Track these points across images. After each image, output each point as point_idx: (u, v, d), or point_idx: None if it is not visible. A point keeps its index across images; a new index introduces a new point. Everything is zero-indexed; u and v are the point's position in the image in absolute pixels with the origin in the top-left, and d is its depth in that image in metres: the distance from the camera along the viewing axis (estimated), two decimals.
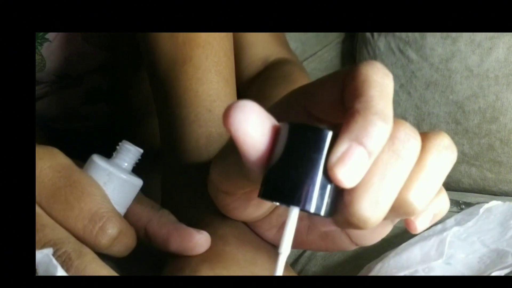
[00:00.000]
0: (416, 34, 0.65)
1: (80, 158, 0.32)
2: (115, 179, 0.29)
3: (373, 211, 0.21)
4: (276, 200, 0.22)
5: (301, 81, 0.48)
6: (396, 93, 0.66)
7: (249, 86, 0.51)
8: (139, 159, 0.31)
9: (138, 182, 0.30)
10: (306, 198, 0.21)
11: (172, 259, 0.30)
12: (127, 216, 0.30)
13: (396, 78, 0.67)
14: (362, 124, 0.21)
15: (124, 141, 0.31)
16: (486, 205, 0.42)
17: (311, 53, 0.75)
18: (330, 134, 0.21)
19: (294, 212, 0.22)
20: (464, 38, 0.62)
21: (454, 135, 0.63)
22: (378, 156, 0.21)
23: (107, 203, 0.29)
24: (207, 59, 0.37)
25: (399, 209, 0.23)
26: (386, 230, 0.28)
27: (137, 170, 0.31)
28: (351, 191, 0.21)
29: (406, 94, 0.65)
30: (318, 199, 0.21)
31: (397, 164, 0.22)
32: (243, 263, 0.29)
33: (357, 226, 0.22)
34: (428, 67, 0.64)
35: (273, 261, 0.30)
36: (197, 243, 0.29)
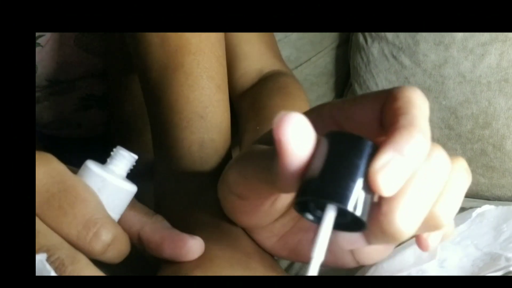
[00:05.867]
0: (409, 40, 0.66)
1: (75, 164, 0.31)
2: (109, 185, 0.29)
3: (409, 222, 0.22)
4: (315, 196, 0.22)
5: (296, 94, 0.48)
6: None
7: (244, 96, 0.50)
8: (133, 165, 0.31)
9: (132, 189, 0.30)
10: (345, 197, 0.21)
11: (165, 264, 0.30)
12: (121, 222, 0.30)
13: (389, 84, 0.67)
14: (407, 138, 0.22)
15: (118, 147, 0.31)
16: (479, 210, 0.42)
17: (305, 59, 0.75)
18: (371, 144, 0.22)
19: (331, 211, 0.22)
20: (457, 45, 0.62)
21: (447, 141, 0.63)
22: (416, 171, 0.23)
23: (101, 209, 0.29)
24: (199, 65, 0.37)
25: (429, 222, 0.24)
26: (388, 250, 0.29)
27: (131, 176, 0.31)
28: (390, 200, 0.22)
29: None
30: (356, 200, 0.21)
31: (434, 179, 0.23)
32: (237, 267, 0.29)
33: (391, 237, 0.22)
34: (421, 73, 0.64)
35: (267, 265, 0.30)
36: (191, 249, 0.29)
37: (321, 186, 0.22)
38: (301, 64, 0.75)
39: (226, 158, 0.37)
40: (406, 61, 0.66)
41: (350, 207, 0.21)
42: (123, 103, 0.58)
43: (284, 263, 0.51)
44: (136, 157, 0.31)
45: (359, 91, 0.70)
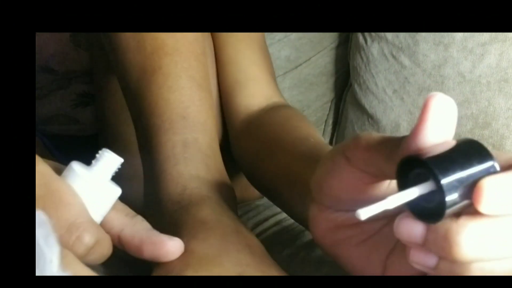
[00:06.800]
0: (409, 40, 0.65)
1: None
2: (92, 188, 0.30)
3: (471, 245, 0.22)
4: (424, 161, 0.23)
5: (313, 131, 0.46)
6: (389, 99, 0.66)
7: (261, 115, 0.48)
8: (118, 168, 0.31)
9: (116, 191, 0.30)
10: (450, 183, 0.22)
11: (158, 265, 0.31)
12: (102, 224, 0.31)
13: (389, 84, 0.67)
14: None
15: (104, 149, 0.31)
16: None
17: (305, 59, 0.75)
18: (495, 164, 0.23)
19: (428, 185, 0.23)
20: (456, 45, 0.62)
21: None
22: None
23: (84, 212, 0.29)
24: (177, 66, 0.37)
25: (442, 241, 0.23)
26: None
27: (116, 178, 0.31)
28: (471, 217, 0.22)
29: (399, 100, 0.65)
30: (454, 189, 0.22)
31: None
32: (227, 264, 0.29)
33: (446, 247, 0.22)
34: (421, 73, 0.64)
35: (258, 259, 0.30)
36: (169, 250, 0.29)
37: (436, 159, 0.23)
38: (300, 64, 0.75)
39: (212, 155, 0.37)
40: (405, 61, 0.65)
41: (447, 190, 0.22)
42: (105, 104, 0.58)
43: (285, 257, 0.50)
44: (121, 160, 0.31)
45: (358, 91, 0.70)
